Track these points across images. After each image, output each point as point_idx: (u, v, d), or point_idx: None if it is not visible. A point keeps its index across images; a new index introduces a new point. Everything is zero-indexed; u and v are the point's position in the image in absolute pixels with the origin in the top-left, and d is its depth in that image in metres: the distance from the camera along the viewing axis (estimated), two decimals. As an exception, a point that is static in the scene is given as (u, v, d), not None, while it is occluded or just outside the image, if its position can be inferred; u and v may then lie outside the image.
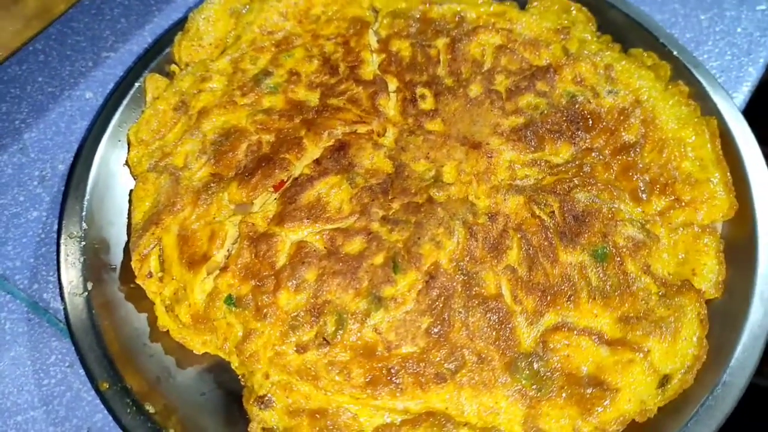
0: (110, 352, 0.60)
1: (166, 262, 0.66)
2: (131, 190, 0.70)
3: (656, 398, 0.57)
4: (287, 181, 0.68)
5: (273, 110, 0.72)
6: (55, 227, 0.72)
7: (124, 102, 0.74)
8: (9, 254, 0.71)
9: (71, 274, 0.64)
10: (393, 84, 0.73)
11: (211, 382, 0.62)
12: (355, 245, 0.64)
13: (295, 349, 0.60)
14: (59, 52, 0.80)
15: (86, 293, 0.63)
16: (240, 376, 0.62)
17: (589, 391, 0.57)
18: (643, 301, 0.61)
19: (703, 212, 0.65)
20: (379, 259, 0.63)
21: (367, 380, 0.59)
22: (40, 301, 0.68)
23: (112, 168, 0.71)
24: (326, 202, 0.66)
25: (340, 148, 0.69)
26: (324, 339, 0.60)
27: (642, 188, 0.66)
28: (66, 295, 0.63)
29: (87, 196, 0.68)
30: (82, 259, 0.65)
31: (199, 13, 0.78)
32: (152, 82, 0.75)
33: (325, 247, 0.63)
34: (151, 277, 0.64)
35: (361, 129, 0.70)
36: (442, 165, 0.68)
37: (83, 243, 0.66)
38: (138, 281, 0.65)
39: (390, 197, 0.66)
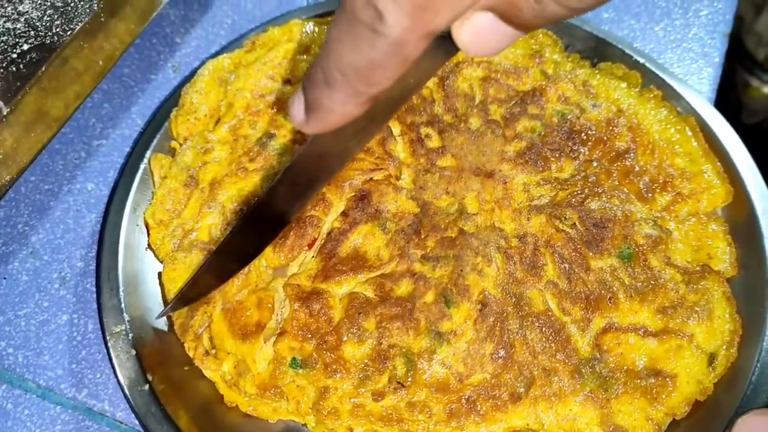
0: (191, 438, 0.60)
1: (216, 338, 0.66)
2: (159, 273, 0.70)
3: (710, 376, 0.63)
4: (317, 238, 0.70)
5: (286, 171, 0.74)
6: (90, 327, 0.70)
7: (134, 186, 0.73)
8: (48, 364, 0.68)
9: (129, 371, 0.63)
10: (396, 128, 0.76)
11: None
12: (403, 288, 0.66)
13: (372, 397, 0.62)
14: (47, 147, 0.78)
15: (148, 385, 0.62)
16: (320, 436, 0.63)
17: (651, 381, 0.62)
18: (673, 291, 0.67)
19: (704, 201, 0.71)
20: (429, 297, 0.65)
21: (448, 414, 0.61)
22: (93, 407, 0.66)
23: (137, 254, 0.70)
24: (364, 251, 0.68)
25: (363, 197, 0.71)
26: (398, 383, 0.62)
27: (644, 189, 0.72)
28: (128, 393, 0.62)
29: (121, 287, 0.67)
30: (133, 353, 0.64)
31: (192, 87, 0.78)
32: (157, 162, 0.75)
33: (376, 295, 0.66)
34: (208, 356, 0.64)
35: (378, 176, 0.73)
36: (463, 197, 0.72)
37: (130, 335, 0.65)
38: (196, 363, 0.64)
39: (423, 236, 0.69)
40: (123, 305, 0.66)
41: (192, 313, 0.66)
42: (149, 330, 0.66)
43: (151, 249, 0.71)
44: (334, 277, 0.66)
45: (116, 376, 0.62)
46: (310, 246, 0.69)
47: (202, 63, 0.82)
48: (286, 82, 0.81)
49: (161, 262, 0.71)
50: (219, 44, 0.88)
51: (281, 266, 0.68)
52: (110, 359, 0.63)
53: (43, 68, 0.60)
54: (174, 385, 0.64)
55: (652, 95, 0.78)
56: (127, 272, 0.68)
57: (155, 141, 0.76)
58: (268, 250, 0.68)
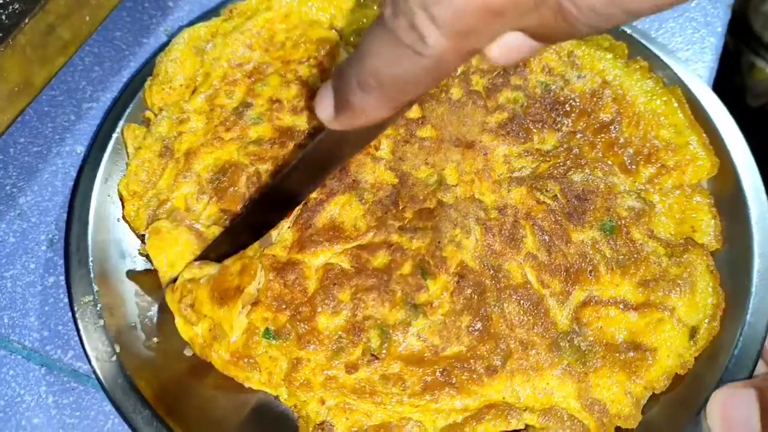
0: (158, 411, 0.59)
1: (195, 301, 0.64)
2: (137, 248, 0.69)
3: (691, 350, 0.61)
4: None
5: (263, 140, 0.72)
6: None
7: (105, 156, 0.71)
8: (33, 326, 0.68)
9: (95, 341, 0.62)
10: (377, 98, 0.75)
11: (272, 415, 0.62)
12: (380, 259, 0.65)
13: (345, 370, 0.60)
14: (36, 109, 0.77)
15: (115, 356, 0.61)
16: (292, 408, 0.62)
17: (630, 355, 0.60)
18: (656, 264, 0.65)
19: (688, 174, 0.70)
20: (406, 268, 0.64)
21: (422, 386, 0.60)
22: (79, 369, 0.66)
23: (109, 225, 0.69)
24: (341, 222, 0.67)
25: (341, 167, 0.69)
26: (372, 355, 0.61)
27: (628, 161, 0.71)
28: (95, 364, 0.60)
29: (90, 257, 0.66)
30: (101, 323, 0.62)
31: (166, 56, 0.76)
32: (130, 133, 0.74)
33: (352, 266, 0.64)
34: (193, 307, 0.62)
35: (357, 145, 0.71)
36: (442, 168, 0.70)
37: (98, 306, 0.63)
38: (174, 310, 0.63)
39: (401, 207, 0.67)
40: (92, 275, 0.65)
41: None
42: (120, 299, 0.65)
43: (126, 221, 0.70)
44: (309, 248, 0.65)
45: (83, 347, 0.61)
46: (287, 216, 0.68)
47: (178, 31, 0.80)
48: (265, 51, 0.79)
49: (136, 233, 0.69)
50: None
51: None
52: (77, 330, 0.62)
53: (26, 20, 0.58)
54: (142, 357, 0.62)
55: (638, 66, 0.76)
56: (97, 242, 0.67)
57: (129, 110, 0.74)
58: None
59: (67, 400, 0.65)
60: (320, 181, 0.63)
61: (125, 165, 0.72)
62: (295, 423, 0.61)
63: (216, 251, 0.66)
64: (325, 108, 0.45)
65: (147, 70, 0.77)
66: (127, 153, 0.73)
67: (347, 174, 0.69)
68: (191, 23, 0.81)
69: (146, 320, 0.65)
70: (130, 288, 0.66)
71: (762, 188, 0.69)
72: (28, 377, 0.66)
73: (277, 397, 0.62)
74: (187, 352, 0.64)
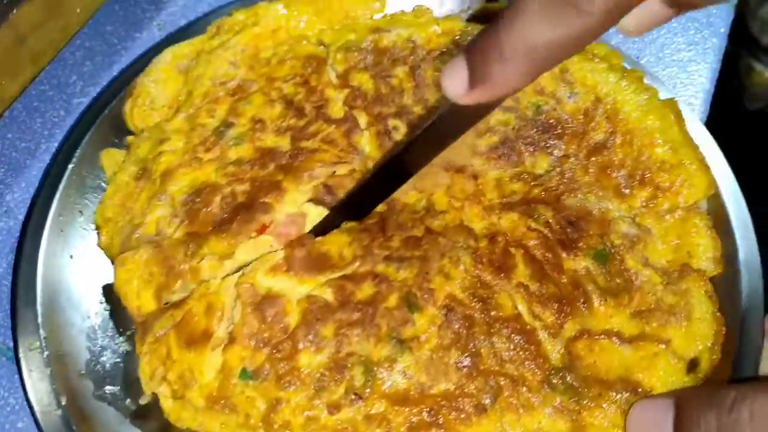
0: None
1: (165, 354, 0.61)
2: (105, 284, 0.66)
3: (690, 383, 0.59)
4: (269, 225, 0.65)
5: (242, 161, 0.69)
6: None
7: (60, 188, 0.69)
8: None
9: (40, 390, 0.59)
10: (363, 119, 0.72)
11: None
12: (365, 291, 0.62)
13: (327, 410, 0.58)
14: (25, 104, 0.76)
15: (60, 409, 0.59)
16: (271, 450, 0.59)
17: (626, 395, 0.58)
18: (650, 294, 0.63)
19: (683, 195, 0.67)
20: (392, 301, 0.61)
21: (408, 427, 0.57)
22: None
23: (60, 261, 0.66)
24: (326, 249, 0.64)
25: (327, 193, 0.67)
26: (355, 393, 0.58)
27: (623, 184, 0.68)
28: (39, 415, 0.58)
29: (39, 299, 0.63)
30: (48, 371, 0.60)
31: (147, 76, 0.74)
32: (109, 157, 0.71)
33: (335, 299, 0.61)
34: (165, 379, 0.59)
35: (341, 170, 0.68)
36: (431, 194, 0.68)
37: (46, 353, 0.61)
38: (146, 380, 0.60)
39: (388, 235, 0.65)
40: (40, 318, 0.62)
41: (159, 315, 0.62)
42: (68, 345, 0.62)
43: (102, 249, 0.67)
44: (295, 268, 0.62)
45: (26, 398, 0.59)
46: (258, 232, 0.65)
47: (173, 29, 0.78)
48: (250, 68, 0.76)
49: (113, 263, 0.66)
50: (207, 3, 0.86)
51: (226, 253, 0.64)
52: (21, 379, 0.60)
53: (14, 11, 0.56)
54: (90, 408, 0.60)
55: (634, 76, 0.73)
56: (47, 281, 0.64)
57: (95, 126, 0.72)
58: (212, 237, 0.64)
59: None
60: (436, 155, 0.61)
61: (83, 196, 0.69)
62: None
63: (323, 227, 0.65)
64: (457, 83, 0.43)
65: (138, 67, 0.75)
66: (107, 179, 0.70)
67: (333, 200, 0.66)
68: (188, 25, 0.80)
69: (98, 367, 0.62)
70: (81, 331, 0.64)
71: (749, 220, 0.68)
72: (13, 379, 0.65)
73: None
74: (142, 401, 0.62)
